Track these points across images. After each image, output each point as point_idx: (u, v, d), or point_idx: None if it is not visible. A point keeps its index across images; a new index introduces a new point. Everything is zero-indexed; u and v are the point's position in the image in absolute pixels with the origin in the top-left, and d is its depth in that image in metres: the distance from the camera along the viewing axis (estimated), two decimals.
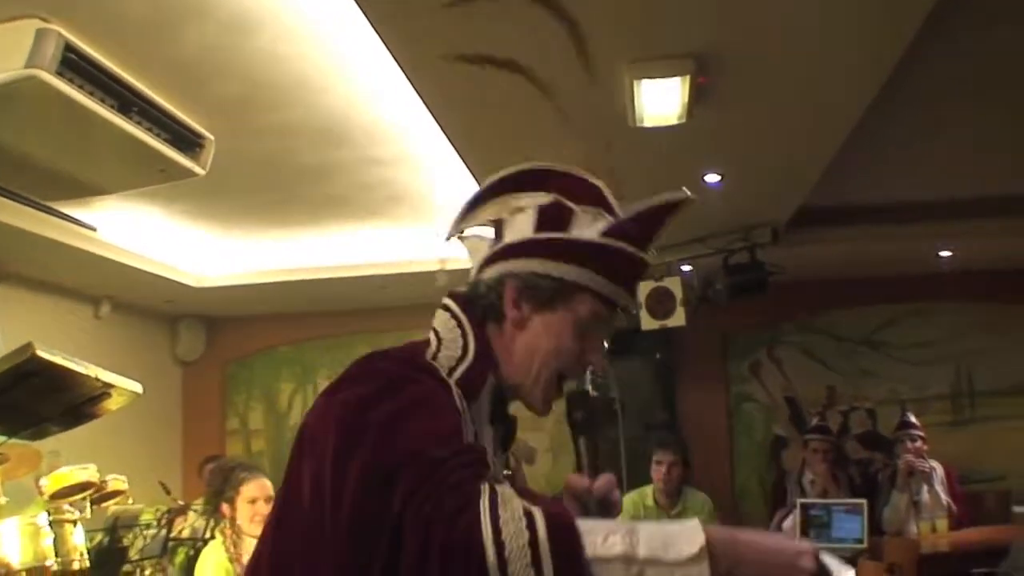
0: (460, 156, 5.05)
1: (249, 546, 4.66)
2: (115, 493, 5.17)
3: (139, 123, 4.31)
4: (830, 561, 1.46)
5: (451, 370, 1.64)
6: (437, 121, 4.52)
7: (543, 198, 1.72)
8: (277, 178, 5.76)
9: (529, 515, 1.32)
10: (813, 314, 8.86)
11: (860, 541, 6.27)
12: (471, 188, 5.78)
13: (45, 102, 3.91)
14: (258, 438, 9.32)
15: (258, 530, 4.65)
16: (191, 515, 6.21)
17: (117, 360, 4.30)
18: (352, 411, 1.52)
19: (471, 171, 5.26)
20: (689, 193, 1.71)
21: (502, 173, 1.81)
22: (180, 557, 6.05)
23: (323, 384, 7.75)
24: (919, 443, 6.92)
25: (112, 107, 4.13)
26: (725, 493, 8.30)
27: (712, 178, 5.50)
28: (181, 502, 6.42)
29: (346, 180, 5.83)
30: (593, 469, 1.74)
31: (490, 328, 1.72)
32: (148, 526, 5.11)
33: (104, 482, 4.98)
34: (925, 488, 6.81)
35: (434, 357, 1.65)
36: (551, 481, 8.24)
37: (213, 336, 9.35)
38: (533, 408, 1.76)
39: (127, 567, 5.00)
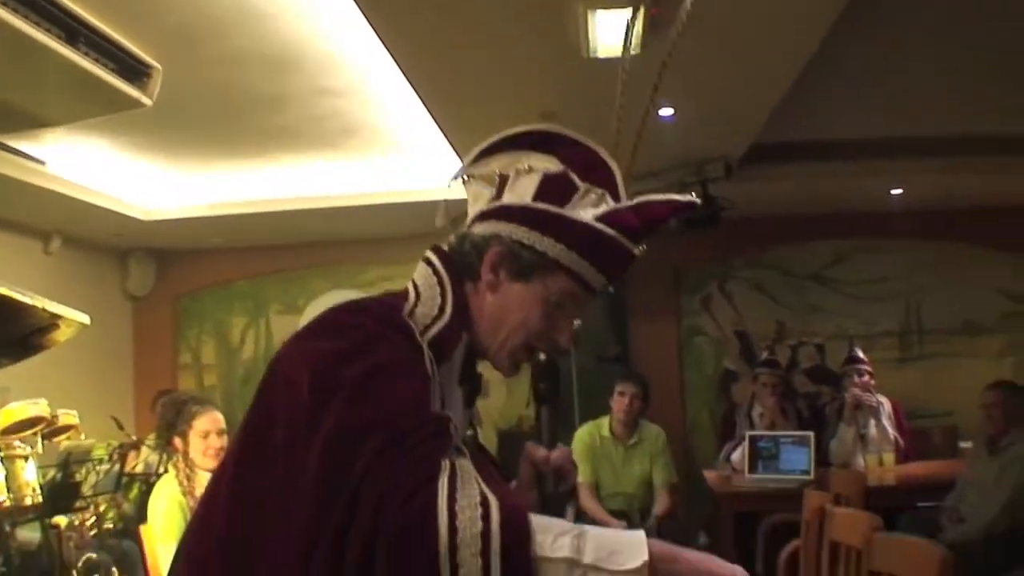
0: (414, 88, 5.00)
1: (202, 480, 4.67)
2: (66, 428, 5.15)
3: (86, 53, 4.24)
4: None
5: (426, 328, 1.63)
6: (391, 53, 4.47)
7: (553, 165, 1.72)
8: (227, 108, 5.68)
9: (485, 504, 1.34)
10: (764, 249, 8.91)
11: (807, 472, 6.41)
12: (424, 120, 5.75)
13: None
14: (210, 372, 9.27)
15: (211, 463, 4.67)
16: (144, 450, 6.21)
17: (68, 295, 4.25)
18: (327, 365, 1.51)
19: (424, 103, 5.22)
20: (696, 198, 1.74)
21: (522, 128, 1.80)
22: (134, 492, 6.06)
23: (276, 319, 7.75)
24: (866, 378, 7.06)
25: (59, 37, 4.06)
26: (676, 426, 8.39)
27: (665, 111, 5.48)
28: (134, 437, 6.41)
29: (297, 111, 5.76)
30: (552, 439, 1.77)
31: (467, 286, 1.72)
32: (101, 461, 5.09)
33: (55, 417, 4.96)
34: (872, 422, 6.95)
35: (411, 313, 1.65)
36: (504, 414, 8.31)
37: (164, 270, 9.26)
38: (500, 370, 1.76)
39: (80, 502, 5.00)
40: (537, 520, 1.37)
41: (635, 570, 1.36)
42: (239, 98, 5.47)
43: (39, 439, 4.79)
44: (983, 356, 8.68)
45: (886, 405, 7.09)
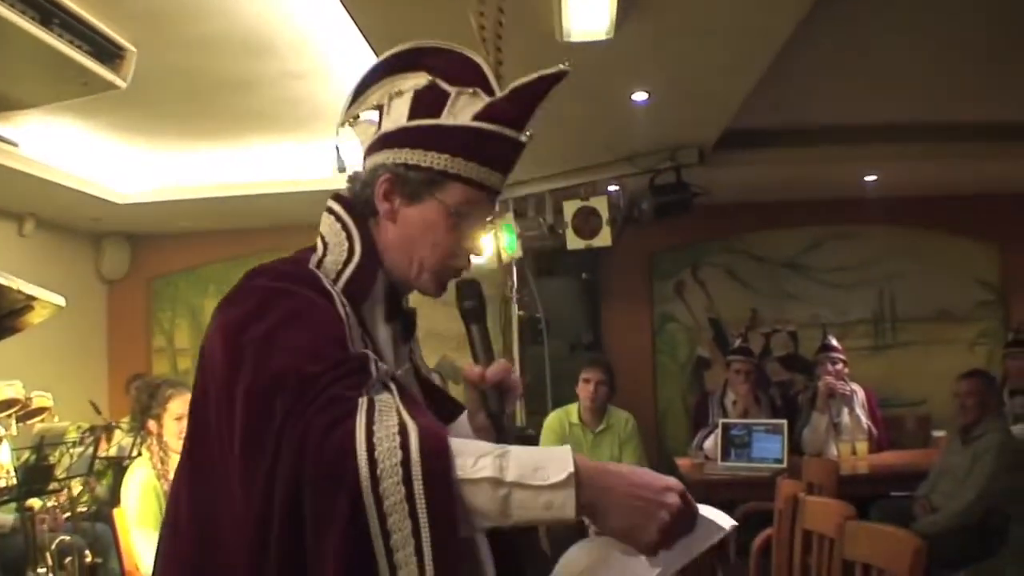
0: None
1: (175, 463, 4.67)
2: (40, 410, 5.14)
3: (60, 35, 4.21)
4: (705, 510, 1.48)
5: (338, 274, 1.65)
6: (364, 35, 4.46)
7: (422, 80, 1.72)
8: (200, 91, 5.65)
9: (404, 433, 1.33)
10: (738, 236, 8.94)
11: (780, 461, 6.44)
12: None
13: None
14: (184, 356, 9.23)
15: None
16: (117, 433, 6.20)
17: (42, 278, 4.22)
18: (232, 333, 1.52)
19: None
20: (565, 66, 1.67)
21: (385, 55, 1.79)
22: (107, 476, 6.05)
23: None
24: (840, 366, 7.09)
25: (33, 19, 4.04)
26: (648, 412, 8.43)
27: (639, 96, 5.50)
28: (108, 420, 6.40)
29: (269, 94, 5.73)
30: (487, 356, 1.73)
31: (371, 224, 1.73)
32: (75, 444, 5.08)
33: (29, 399, 4.95)
34: (846, 410, 6.99)
35: (319, 264, 1.66)
36: None
37: (138, 253, 9.22)
38: (426, 292, 1.76)
39: (54, 485, 4.98)
40: (458, 443, 1.37)
41: (560, 483, 1.34)
42: (212, 81, 5.45)
43: (13, 421, 4.77)
44: (956, 345, 8.75)
45: (859, 393, 7.13)
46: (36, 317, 3.83)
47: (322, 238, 1.71)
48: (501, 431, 1.69)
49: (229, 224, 8.77)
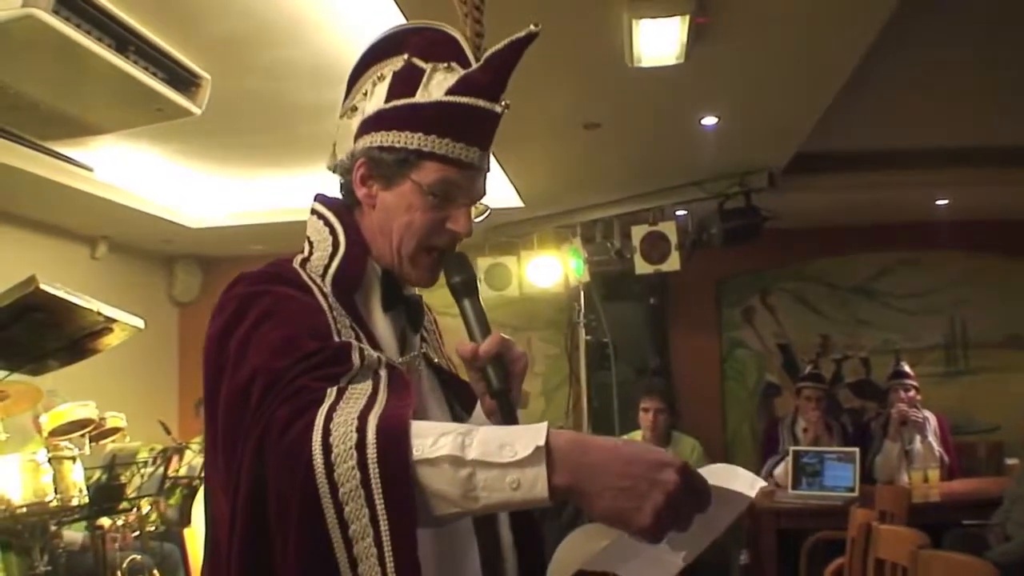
0: None
1: None
2: (113, 431, 5.22)
3: (136, 62, 4.28)
4: (722, 473, 1.33)
5: (325, 269, 1.60)
6: None
7: (400, 63, 1.66)
8: (273, 117, 5.72)
9: (363, 417, 1.25)
10: (808, 261, 8.84)
11: (851, 489, 6.34)
12: None
13: (41, 41, 3.88)
14: None
15: None
16: (188, 454, 6.27)
17: (114, 300, 4.29)
18: (214, 343, 1.49)
19: None
20: (535, 27, 1.58)
21: (372, 41, 1.74)
22: (176, 495, 6.12)
23: None
24: (912, 392, 6.98)
25: (109, 46, 4.10)
26: (716, 439, 8.36)
27: (709, 121, 5.47)
28: (179, 441, 6.48)
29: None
30: (484, 332, 1.61)
31: (356, 214, 1.68)
32: (145, 464, 5.15)
33: (103, 420, 5.03)
34: (918, 438, 6.88)
35: (304, 264, 1.62)
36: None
37: (209, 277, 9.33)
38: (412, 282, 1.69)
39: (124, 504, 5.05)
40: (422, 425, 1.27)
41: (528, 459, 1.19)
42: (283, 107, 5.51)
43: (87, 441, 4.85)
44: None
45: (932, 421, 7.01)
46: (115, 339, 3.89)
47: (308, 239, 1.67)
48: (509, 410, 1.54)
49: (298, 249, 8.85)
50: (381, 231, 1.65)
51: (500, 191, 7.12)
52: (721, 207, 6.74)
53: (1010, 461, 7.33)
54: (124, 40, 4.21)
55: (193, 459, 6.13)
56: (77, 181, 6.35)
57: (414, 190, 1.60)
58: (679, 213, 7.15)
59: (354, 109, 1.73)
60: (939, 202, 7.94)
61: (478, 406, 1.68)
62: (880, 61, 4.72)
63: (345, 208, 1.68)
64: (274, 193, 7.44)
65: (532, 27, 1.58)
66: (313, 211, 1.70)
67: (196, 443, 6.21)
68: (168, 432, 6.73)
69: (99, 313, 3.67)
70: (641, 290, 8.33)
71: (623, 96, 4.81)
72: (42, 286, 3.28)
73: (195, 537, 4.71)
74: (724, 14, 3.97)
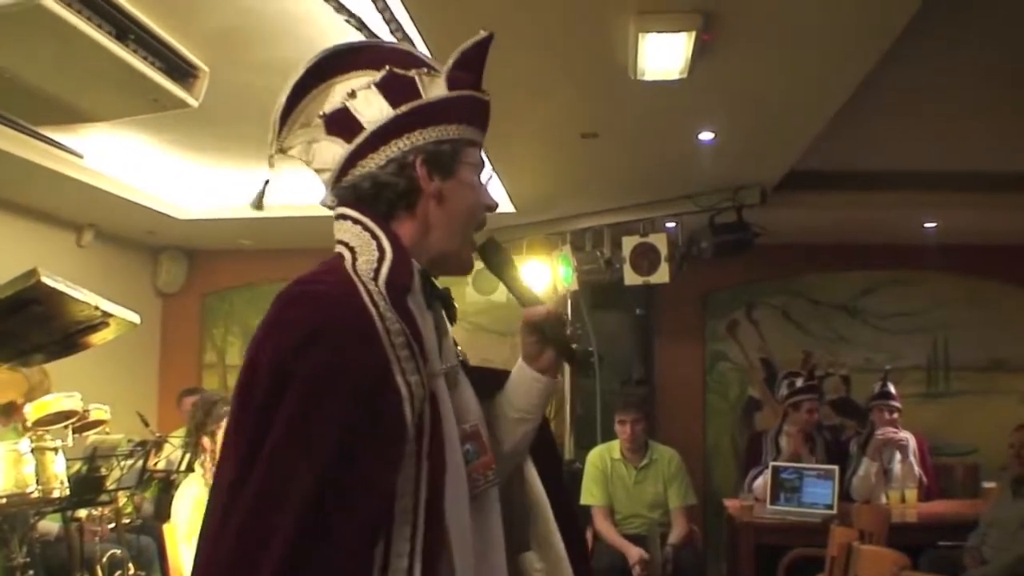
0: None
1: None
2: (97, 423, 5.17)
3: (135, 51, 4.25)
4: None
5: (375, 273, 1.65)
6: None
7: (370, 76, 1.75)
8: (268, 112, 5.65)
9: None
10: (794, 277, 8.88)
11: (830, 507, 6.37)
12: None
13: (43, 26, 3.85)
14: (235, 373, 9.06)
15: None
16: (167, 447, 6.22)
17: (98, 289, 4.24)
18: (277, 363, 1.53)
19: None
20: (484, 32, 1.78)
21: (304, 66, 1.81)
22: (153, 489, 6.07)
23: None
24: (895, 414, 6.99)
25: (109, 34, 4.07)
26: (696, 450, 8.38)
27: (706, 136, 5.48)
28: (158, 434, 6.42)
29: None
30: (533, 299, 1.84)
31: (400, 216, 1.74)
32: (126, 456, 5.11)
33: (87, 411, 4.98)
34: (897, 457, 6.91)
35: (353, 268, 1.66)
36: None
37: (194, 268, 9.29)
38: (456, 272, 1.81)
39: (103, 496, 5.01)
40: None
41: None
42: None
43: (70, 432, 4.81)
44: (1010, 395, 8.65)
45: (911, 441, 7.04)
46: (109, 334, 3.85)
47: (346, 245, 1.72)
48: (574, 357, 1.82)
49: (288, 244, 8.80)
50: (448, 221, 1.75)
51: (493, 197, 7.10)
52: (712, 221, 6.75)
53: (987, 484, 7.37)
54: (125, 28, 4.18)
55: (172, 453, 6.07)
56: (66, 167, 6.30)
57: (469, 174, 1.77)
58: (670, 225, 7.16)
59: (286, 146, 1.84)
60: (927, 224, 7.98)
61: (509, 382, 1.91)
62: (877, 82, 4.73)
63: (381, 216, 1.72)
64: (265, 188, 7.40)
65: (483, 32, 1.78)
66: (346, 217, 1.74)
67: (176, 437, 6.16)
68: (146, 424, 6.67)
69: (97, 308, 3.63)
70: (628, 300, 8.33)
71: (623, 107, 4.80)
72: (43, 279, 3.24)
73: (173, 532, 4.67)
74: (729, 32, 3.98)
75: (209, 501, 1.60)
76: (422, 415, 1.56)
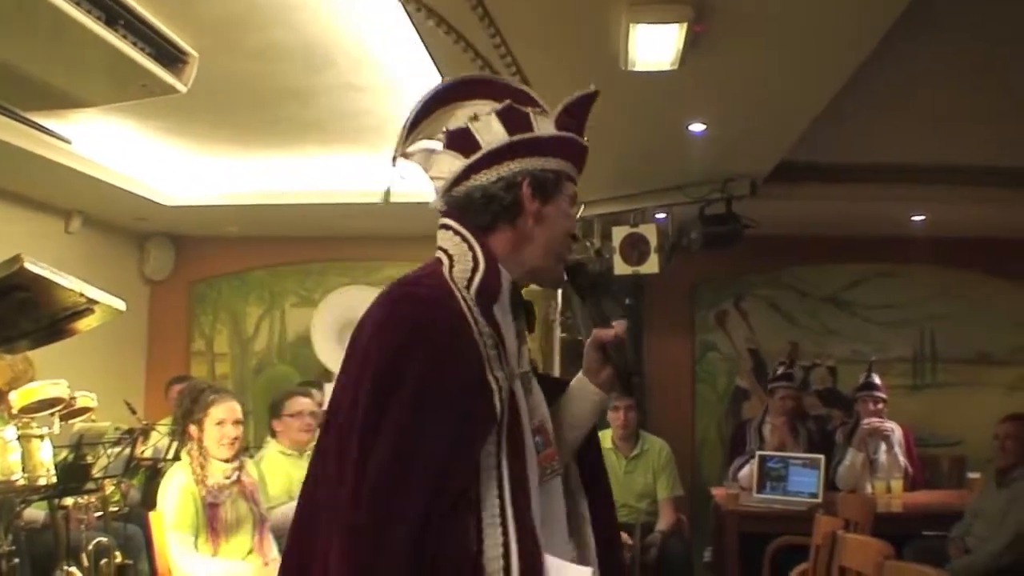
0: None
1: (215, 469, 4.69)
2: (83, 410, 5.14)
3: (124, 36, 4.23)
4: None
5: (468, 282, 1.89)
6: (429, 53, 4.46)
7: (489, 105, 2.02)
8: (257, 99, 5.68)
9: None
10: (782, 269, 8.89)
11: (815, 495, 6.42)
12: None
13: (32, 11, 3.84)
14: (223, 361, 9.25)
15: (225, 453, 4.70)
16: (154, 435, 6.21)
17: (85, 276, 4.21)
18: (387, 361, 1.80)
19: None
20: (594, 87, 2.08)
21: (435, 88, 2.07)
22: (139, 477, 6.06)
23: (291, 311, 7.84)
24: (881, 405, 7.03)
25: (98, 19, 4.05)
26: (685, 440, 8.40)
27: (696, 127, 5.48)
28: (145, 422, 6.40)
29: (327, 105, 5.76)
30: (606, 323, 2.07)
31: (500, 229, 1.97)
32: (113, 444, 5.09)
33: (73, 399, 4.96)
34: (883, 448, 6.95)
35: (450, 274, 1.90)
36: None
37: (182, 256, 9.23)
38: (548, 284, 2.14)
39: (90, 484, 4.99)
40: None
41: None
42: (271, 90, 5.48)
43: (56, 420, 4.78)
44: (995, 387, 8.67)
45: (897, 432, 7.09)
46: (94, 321, 3.82)
47: (445, 252, 1.95)
48: (626, 379, 2.09)
49: (277, 232, 8.81)
50: (545, 239, 1.99)
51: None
52: (702, 212, 6.76)
53: (972, 475, 7.39)
54: (114, 13, 4.16)
55: (159, 441, 6.06)
56: (54, 153, 6.27)
57: (565, 203, 2.02)
58: (660, 216, 7.16)
59: (410, 151, 2.07)
60: (915, 217, 8.00)
61: (570, 388, 2.18)
62: (866, 78, 4.74)
63: (479, 229, 1.96)
64: (254, 175, 7.39)
65: (592, 87, 2.07)
66: (448, 227, 1.98)
67: (163, 425, 6.15)
68: (134, 412, 6.66)
69: (81, 294, 3.61)
70: (617, 290, 8.34)
71: (614, 98, 4.73)
72: (27, 265, 3.22)
73: (160, 520, 4.67)
74: (721, 24, 3.97)
75: (308, 485, 1.96)
76: (504, 408, 1.81)
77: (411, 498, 1.68)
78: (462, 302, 1.85)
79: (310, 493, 1.94)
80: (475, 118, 2.00)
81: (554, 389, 2.17)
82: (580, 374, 2.16)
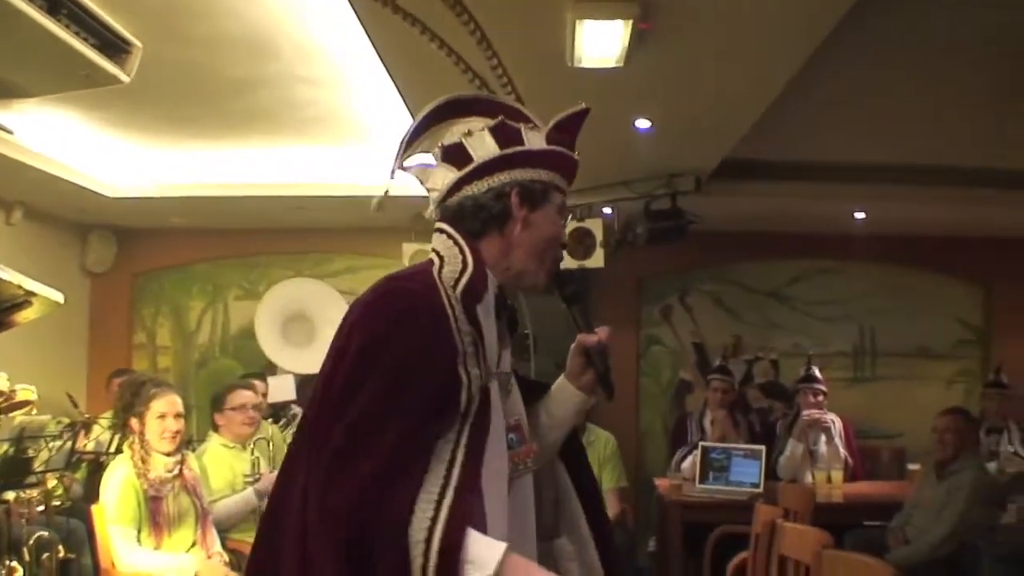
0: (394, 83, 4.98)
1: (157, 462, 4.65)
2: (24, 403, 5.10)
3: (67, 25, 4.17)
4: None
5: (456, 282, 2.01)
6: (374, 47, 4.45)
7: (483, 121, 2.15)
8: (201, 90, 5.63)
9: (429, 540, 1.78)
10: (727, 264, 9.01)
11: (756, 485, 6.50)
12: (399, 113, 5.71)
13: None
14: (165, 354, 9.14)
15: (167, 447, 4.67)
16: (96, 428, 6.15)
17: (27, 268, 4.17)
18: (367, 343, 1.95)
19: (404, 99, 5.20)
20: (584, 105, 2.21)
21: (431, 106, 2.20)
22: (81, 471, 5.99)
23: (234, 304, 7.77)
24: (820, 397, 7.14)
25: (40, 7, 4.00)
26: (630, 433, 8.46)
27: (643, 124, 5.51)
28: (87, 415, 6.34)
29: (271, 96, 5.72)
30: (589, 329, 2.21)
31: (489, 235, 2.10)
32: (54, 438, 5.04)
33: (13, 391, 4.91)
34: (823, 439, 7.05)
35: (439, 274, 2.03)
36: None
37: (125, 248, 9.08)
38: (535, 288, 2.18)
39: (31, 478, 4.94)
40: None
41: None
42: (215, 80, 5.43)
43: None
44: (934, 381, 8.89)
45: (837, 423, 7.19)
46: (32, 313, 3.78)
47: (437, 253, 2.09)
48: (607, 383, 2.21)
49: (221, 224, 8.71)
50: (531, 245, 2.11)
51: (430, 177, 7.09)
52: (647, 207, 6.80)
53: (912, 467, 7.55)
54: (57, 3, 4.10)
55: (101, 434, 6.01)
56: None
57: (553, 212, 2.14)
58: (606, 211, 7.19)
59: (406, 164, 2.20)
60: (857, 215, 8.11)
61: (553, 389, 2.32)
62: (810, 77, 4.79)
63: (470, 234, 2.09)
64: (198, 167, 7.32)
65: (583, 104, 2.20)
66: (442, 231, 2.12)
67: (105, 418, 6.09)
68: (76, 405, 6.59)
69: (19, 286, 3.57)
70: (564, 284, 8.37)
71: (560, 94, 4.76)
72: None
73: (102, 513, 4.62)
74: (667, 21, 4.00)
75: (295, 446, 2.06)
76: (471, 402, 1.94)
77: (366, 460, 1.81)
78: (446, 299, 1.98)
79: (288, 462, 2.07)
80: (469, 133, 2.13)
81: (535, 391, 2.32)
82: (562, 377, 2.28)
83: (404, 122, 5.82)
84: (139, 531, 4.54)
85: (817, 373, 7.30)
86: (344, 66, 5.22)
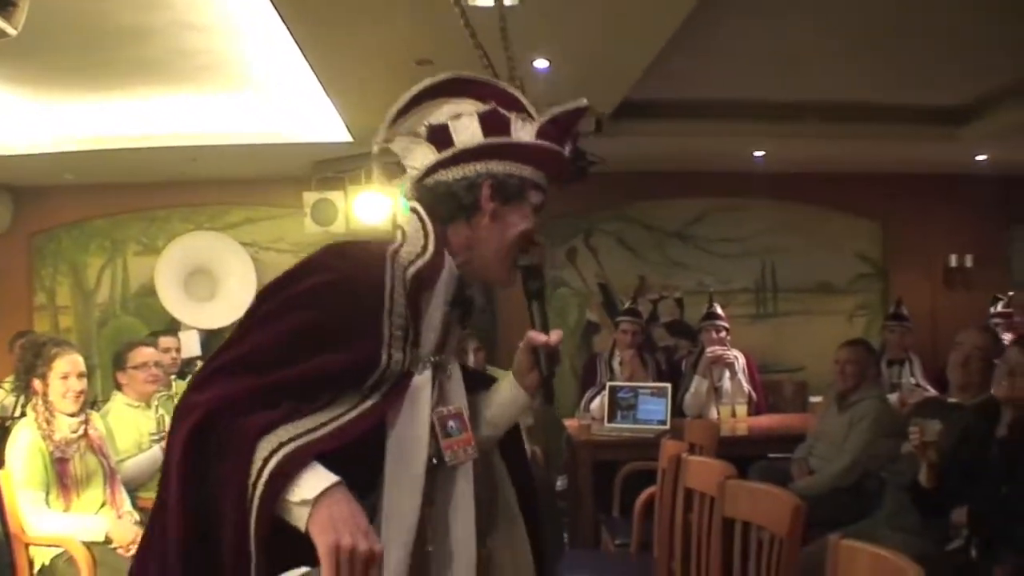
0: (288, 30, 4.90)
1: (61, 423, 4.58)
2: None
3: None
4: None
5: (410, 263, 1.98)
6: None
7: (475, 105, 2.10)
8: (91, 40, 5.46)
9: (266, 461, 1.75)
10: (629, 205, 9.08)
11: (663, 423, 6.61)
12: (292, 59, 5.60)
13: None
14: (66, 314, 8.93)
15: (70, 407, 4.58)
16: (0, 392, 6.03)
17: None
18: (286, 283, 1.97)
19: (299, 46, 5.13)
20: (585, 101, 2.15)
21: (427, 82, 2.15)
22: None
23: (133, 260, 7.65)
24: (723, 333, 7.27)
25: None
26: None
27: (541, 64, 5.51)
28: None
29: (162, 45, 5.56)
30: (545, 329, 2.15)
31: (456, 224, 2.06)
32: None
33: None
34: (727, 375, 7.18)
35: (395, 252, 1.99)
36: None
37: (20, 207, 8.82)
38: (495, 282, 2.15)
39: None
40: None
41: (304, 501, 1.75)
42: (104, 29, 5.27)
43: None
44: (835, 315, 9.14)
45: (740, 359, 7.33)
46: None
47: (402, 231, 2.04)
48: (550, 388, 2.15)
49: (116, 178, 8.51)
50: (497, 236, 2.07)
51: (329, 125, 7.01)
52: None
53: (814, 399, 7.70)
54: None
55: (4, 399, 5.89)
56: None
57: (526, 209, 2.09)
58: None
59: (392, 136, 2.14)
60: (756, 153, 8.22)
61: (497, 384, 2.29)
62: (709, 12, 4.83)
63: (439, 219, 2.05)
64: (91, 120, 7.12)
65: (584, 100, 2.15)
66: (414, 211, 2.06)
67: (8, 382, 5.97)
68: None
69: None
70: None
71: (456, 34, 4.76)
72: None
73: (9, 479, 4.54)
74: None
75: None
76: (382, 383, 1.93)
77: (244, 377, 1.84)
78: (389, 278, 1.95)
79: None
80: (457, 116, 2.08)
81: (479, 382, 2.30)
82: (510, 373, 2.25)
83: (299, 71, 5.78)
84: (48, 494, 4.46)
85: (719, 310, 7.44)
86: (234, 13, 5.12)
